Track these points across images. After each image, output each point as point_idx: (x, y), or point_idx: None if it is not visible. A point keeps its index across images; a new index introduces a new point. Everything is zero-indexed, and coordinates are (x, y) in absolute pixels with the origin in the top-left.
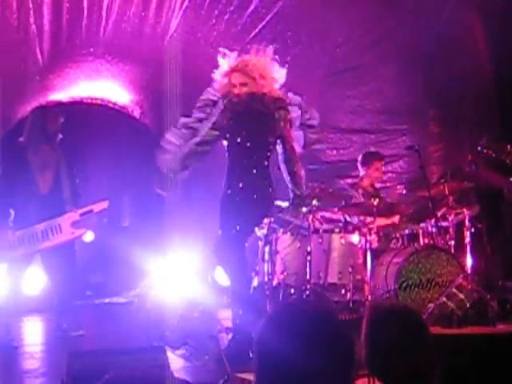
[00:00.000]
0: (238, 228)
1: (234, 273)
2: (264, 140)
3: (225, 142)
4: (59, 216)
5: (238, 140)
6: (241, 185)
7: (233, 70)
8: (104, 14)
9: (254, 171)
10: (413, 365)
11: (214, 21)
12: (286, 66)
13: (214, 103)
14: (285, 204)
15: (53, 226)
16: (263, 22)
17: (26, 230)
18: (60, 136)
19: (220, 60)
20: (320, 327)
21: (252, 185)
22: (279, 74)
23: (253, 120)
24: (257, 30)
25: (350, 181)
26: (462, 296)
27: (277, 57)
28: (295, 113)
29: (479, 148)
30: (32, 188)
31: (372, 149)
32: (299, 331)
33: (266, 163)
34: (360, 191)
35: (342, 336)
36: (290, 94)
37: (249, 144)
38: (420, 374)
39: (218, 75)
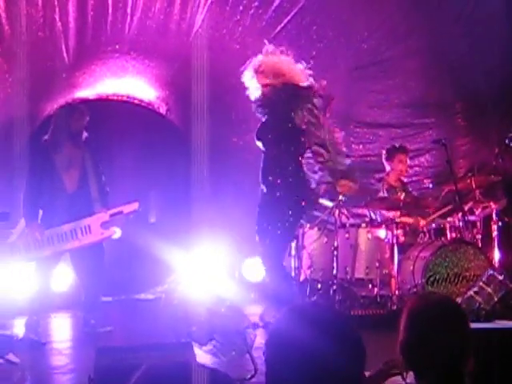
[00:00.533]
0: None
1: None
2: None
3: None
4: (87, 215)
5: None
6: (279, 181)
7: (256, 72)
8: (129, 10)
9: (290, 168)
10: (447, 355)
11: (238, 16)
12: (312, 61)
13: None
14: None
15: (82, 226)
16: (288, 17)
17: (55, 229)
18: (85, 134)
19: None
20: (334, 322)
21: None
22: (297, 68)
23: (278, 115)
24: (282, 25)
25: (376, 175)
26: (489, 290)
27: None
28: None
29: (506, 141)
30: (59, 186)
31: (397, 143)
32: (313, 330)
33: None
34: (386, 186)
35: (355, 338)
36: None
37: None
38: (453, 365)
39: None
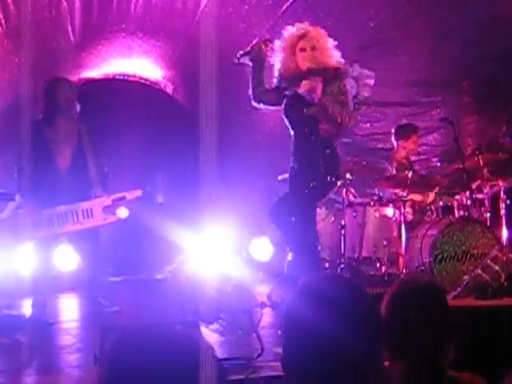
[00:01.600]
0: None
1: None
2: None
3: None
4: (85, 196)
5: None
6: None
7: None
8: None
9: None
10: (424, 342)
11: None
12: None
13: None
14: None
15: (84, 209)
16: None
17: (54, 209)
18: (78, 106)
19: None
20: (351, 301)
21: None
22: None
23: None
24: (288, 4)
25: (383, 154)
26: (497, 268)
27: None
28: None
29: None
30: (50, 163)
31: (405, 121)
32: (330, 304)
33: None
34: (394, 164)
35: (372, 311)
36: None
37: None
38: (429, 353)
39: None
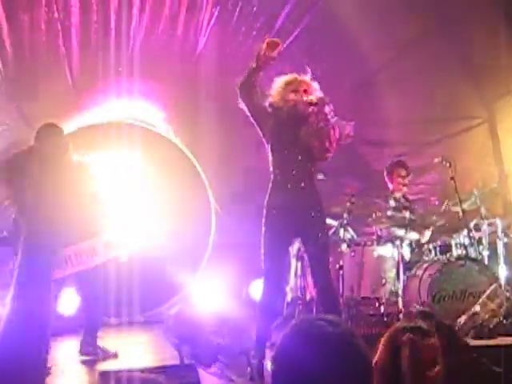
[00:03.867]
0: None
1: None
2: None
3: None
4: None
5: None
6: None
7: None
8: (132, 33)
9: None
10: None
11: (241, 38)
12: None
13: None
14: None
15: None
16: (291, 38)
17: (70, 248)
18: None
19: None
20: (339, 344)
21: None
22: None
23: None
24: (284, 46)
25: (382, 193)
26: (493, 306)
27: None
28: None
29: None
30: None
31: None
32: (318, 347)
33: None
34: (391, 203)
35: (360, 355)
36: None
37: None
38: None
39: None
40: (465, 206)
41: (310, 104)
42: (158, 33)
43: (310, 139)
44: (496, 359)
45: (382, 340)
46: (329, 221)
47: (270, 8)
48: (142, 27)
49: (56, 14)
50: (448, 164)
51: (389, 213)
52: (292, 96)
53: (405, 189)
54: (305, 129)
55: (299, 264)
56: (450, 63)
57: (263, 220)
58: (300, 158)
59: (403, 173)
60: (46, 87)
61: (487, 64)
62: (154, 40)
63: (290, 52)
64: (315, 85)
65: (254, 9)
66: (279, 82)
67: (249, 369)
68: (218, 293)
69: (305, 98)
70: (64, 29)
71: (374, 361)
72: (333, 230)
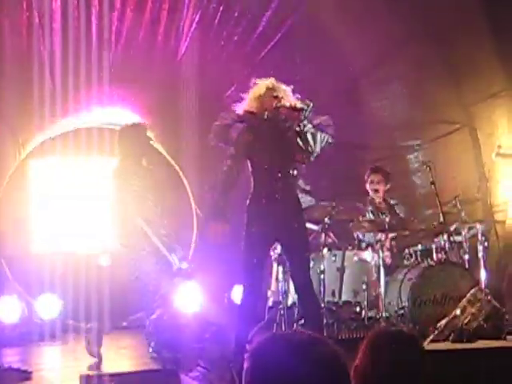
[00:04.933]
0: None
1: None
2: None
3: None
4: None
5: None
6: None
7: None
8: (113, 39)
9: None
10: None
11: (222, 42)
12: (292, 85)
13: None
14: None
15: None
16: (272, 43)
17: None
18: None
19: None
20: (312, 345)
21: None
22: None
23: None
24: (266, 51)
25: (361, 198)
26: (473, 310)
27: None
28: None
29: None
30: None
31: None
32: (292, 347)
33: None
34: (371, 208)
35: (335, 358)
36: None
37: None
38: None
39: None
40: (445, 209)
41: (294, 109)
42: (139, 38)
43: (290, 143)
44: (476, 362)
45: (363, 344)
46: (310, 225)
47: (251, 13)
48: (124, 32)
49: (37, 19)
50: (428, 168)
51: (369, 217)
52: (273, 101)
53: (378, 194)
54: (286, 133)
55: (280, 268)
56: (432, 68)
57: (244, 224)
58: (280, 164)
59: (376, 179)
60: (26, 92)
61: (468, 68)
62: (135, 45)
63: (270, 58)
64: (289, 90)
65: (236, 13)
66: (258, 88)
67: (229, 373)
68: (199, 297)
69: (287, 104)
70: (46, 34)
71: (354, 364)
72: (314, 235)
